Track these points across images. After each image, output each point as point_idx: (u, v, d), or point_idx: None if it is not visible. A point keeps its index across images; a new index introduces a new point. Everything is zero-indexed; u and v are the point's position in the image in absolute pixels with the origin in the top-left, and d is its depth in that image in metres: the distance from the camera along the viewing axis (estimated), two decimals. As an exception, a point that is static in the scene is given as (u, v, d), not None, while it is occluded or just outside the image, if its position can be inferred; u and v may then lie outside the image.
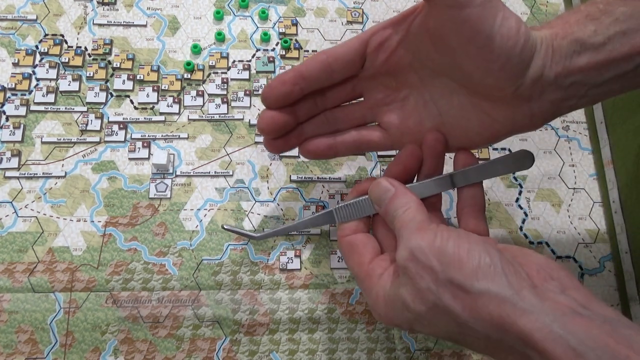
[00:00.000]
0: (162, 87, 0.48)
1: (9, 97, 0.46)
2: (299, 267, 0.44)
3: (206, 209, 0.45)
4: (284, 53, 0.50)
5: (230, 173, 0.46)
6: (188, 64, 0.48)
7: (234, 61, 0.50)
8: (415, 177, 0.36)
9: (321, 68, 0.33)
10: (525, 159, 0.36)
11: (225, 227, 0.39)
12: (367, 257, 0.33)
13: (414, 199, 0.32)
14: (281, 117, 0.34)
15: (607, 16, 0.29)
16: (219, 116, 0.48)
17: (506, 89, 0.30)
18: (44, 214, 0.44)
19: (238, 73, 0.49)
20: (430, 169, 0.35)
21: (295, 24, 0.52)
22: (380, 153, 0.48)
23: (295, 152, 0.47)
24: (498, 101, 0.31)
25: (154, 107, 0.48)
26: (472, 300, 0.26)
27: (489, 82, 0.30)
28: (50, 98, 0.47)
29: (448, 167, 0.35)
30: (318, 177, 0.47)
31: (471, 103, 0.32)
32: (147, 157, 0.46)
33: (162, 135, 0.47)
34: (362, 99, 0.37)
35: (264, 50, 0.50)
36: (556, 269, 0.29)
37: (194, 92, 0.48)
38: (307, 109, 0.36)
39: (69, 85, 0.47)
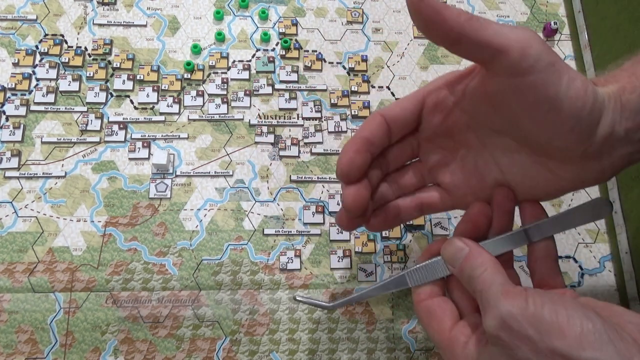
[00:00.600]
0: (162, 87, 0.48)
1: (9, 97, 0.46)
2: (299, 267, 0.44)
3: (206, 209, 0.45)
4: (284, 53, 0.50)
5: (230, 173, 0.46)
6: (188, 64, 0.48)
7: (234, 61, 0.50)
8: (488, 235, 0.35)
9: (382, 129, 0.32)
10: (603, 207, 0.33)
11: (297, 298, 0.38)
12: (447, 324, 0.31)
13: (491, 258, 0.30)
14: (366, 191, 0.32)
15: None
16: (219, 116, 0.48)
17: (575, 151, 0.29)
18: (44, 214, 0.44)
19: (238, 73, 0.49)
20: (500, 225, 0.33)
21: (295, 24, 0.52)
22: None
23: (295, 152, 0.47)
24: (565, 161, 0.30)
25: (154, 107, 0.48)
26: None
27: (557, 145, 0.29)
28: (50, 98, 0.47)
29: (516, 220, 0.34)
30: (318, 177, 0.47)
31: (536, 162, 0.31)
32: (147, 157, 0.46)
33: (162, 135, 0.47)
34: (418, 159, 0.36)
35: (264, 50, 0.50)
36: None
37: (194, 92, 0.48)
38: (376, 176, 0.34)
39: (69, 85, 0.47)
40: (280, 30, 0.51)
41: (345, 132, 0.48)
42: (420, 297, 0.33)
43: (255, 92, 0.49)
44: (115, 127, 0.46)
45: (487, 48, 0.26)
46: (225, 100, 0.48)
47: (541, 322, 0.25)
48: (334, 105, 0.49)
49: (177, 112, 0.48)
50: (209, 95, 0.48)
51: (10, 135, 0.45)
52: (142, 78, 0.48)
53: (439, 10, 0.26)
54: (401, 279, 0.34)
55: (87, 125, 0.46)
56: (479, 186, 0.33)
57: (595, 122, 0.28)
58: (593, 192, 0.48)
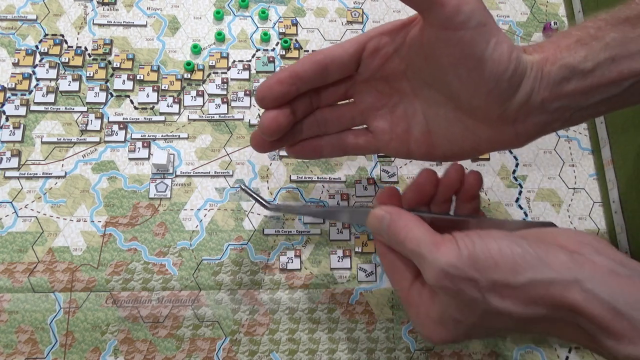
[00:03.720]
0: (162, 87, 0.48)
1: (9, 97, 0.46)
2: (299, 267, 0.44)
3: (206, 209, 0.45)
4: (284, 53, 0.50)
5: (230, 173, 0.46)
6: (188, 64, 0.48)
7: (234, 61, 0.50)
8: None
9: (317, 68, 0.33)
10: None
11: (242, 186, 0.37)
12: (405, 284, 0.32)
13: (412, 217, 0.31)
14: (284, 118, 0.33)
15: (597, 42, 0.29)
16: (219, 116, 0.48)
17: (492, 112, 0.30)
18: (44, 214, 0.44)
19: (238, 73, 0.49)
20: (464, 209, 0.34)
21: (295, 24, 0.52)
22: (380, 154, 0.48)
23: (295, 152, 0.47)
24: (482, 121, 0.32)
25: (154, 107, 0.48)
26: (521, 293, 0.27)
27: (475, 104, 0.30)
28: (50, 98, 0.47)
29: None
30: (318, 177, 0.47)
31: (457, 118, 0.33)
32: (147, 157, 0.46)
33: (162, 135, 0.47)
34: (352, 100, 0.37)
35: (264, 50, 0.50)
36: (584, 234, 0.30)
37: (194, 92, 0.48)
38: (302, 108, 0.35)
39: (69, 85, 0.47)
40: (280, 30, 0.51)
41: (345, 132, 0.48)
42: (382, 249, 0.33)
43: (255, 92, 0.49)
44: (115, 127, 0.46)
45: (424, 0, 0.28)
46: (225, 100, 0.48)
47: (476, 260, 0.27)
48: (334, 105, 0.49)
49: (177, 112, 0.48)
50: (209, 95, 0.48)
51: (10, 135, 0.45)
52: (142, 78, 0.48)
53: None
54: (341, 213, 0.35)
55: (87, 125, 0.46)
56: (405, 134, 0.35)
57: (514, 87, 0.29)
58: (594, 192, 0.48)
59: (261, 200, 0.37)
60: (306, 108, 0.35)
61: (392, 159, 0.48)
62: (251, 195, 0.37)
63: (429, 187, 0.33)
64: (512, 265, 0.27)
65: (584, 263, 0.27)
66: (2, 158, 0.45)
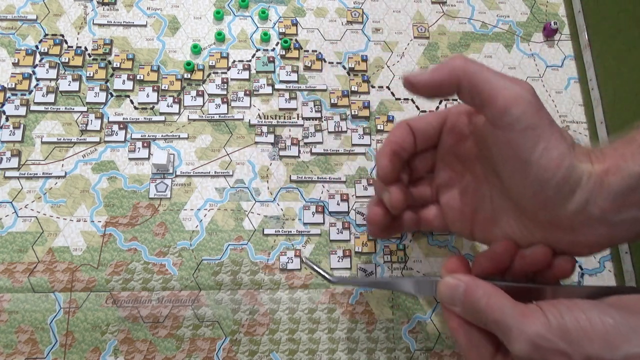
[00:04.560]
0: (162, 87, 0.48)
1: (9, 97, 0.46)
2: (299, 267, 0.44)
3: (206, 209, 0.45)
4: (284, 53, 0.50)
5: (230, 173, 0.46)
6: (188, 64, 0.48)
7: (234, 61, 0.50)
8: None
9: (409, 136, 0.34)
10: None
11: (304, 259, 0.38)
12: (488, 355, 0.30)
13: (490, 285, 0.29)
14: (404, 192, 0.35)
15: None
16: (219, 116, 0.48)
17: (540, 216, 0.30)
18: (44, 214, 0.44)
19: (238, 73, 0.49)
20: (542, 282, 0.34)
21: (295, 24, 0.52)
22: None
23: (295, 152, 0.47)
24: (536, 222, 0.31)
25: (154, 107, 0.48)
26: None
27: (523, 204, 0.30)
28: (50, 98, 0.47)
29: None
30: (318, 177, 0.47)
31: (516, 213, 0.32)
32: (147, 157, 0.46)
33: (162, 135, 0.47)
34: (433, 174, 0.37)
35: (264, 50, 0.50)
36: None
37: (194, 92, 0.48)
38: (405, 181, 0.36)
39: (69, 85, 0.47)
40: (280, 30, 0.51)
41: (345, 132, 0.48)
42: (457, 321, 0.31)
43: (255, 92, 0.49)
44: (115, 127, 0.46)
45: (478, 96, 0.28)
46: (225, 100, 0.48)
47: (567, 332, 0.26)
48: (334, 105, 0.49)
49: (177, 112, 0.48)
50: (209, 95, 0.48)
51: (10, 135, 0.45)
52: (142, 78, 0.48)
53: (427, 81, 0.30)
54: (408, 283, 0.34)
55: (87, 125, 0.46)
56: (471, 215, 0.35)
57: (564, 195, 0.28)
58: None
59: (324, 274, 0.37)
60: (407, 181, 0.36)
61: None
62: (315, 270, 0.37)
63: (507, 260, 0.32)
64: (605, 338, 0.25)
65: None
66: (2, 158, 0.45)
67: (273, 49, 0.51)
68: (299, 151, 0.47)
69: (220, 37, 0.50)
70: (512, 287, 0.31)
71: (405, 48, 0.52)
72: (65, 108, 0.47)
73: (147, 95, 0.48)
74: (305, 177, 0.47)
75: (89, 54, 0.49)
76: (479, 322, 0.29)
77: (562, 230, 0.30)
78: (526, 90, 0.28)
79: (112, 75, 0.48)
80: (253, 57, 0.50)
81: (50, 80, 0.47)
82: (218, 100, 0.48)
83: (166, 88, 0.48)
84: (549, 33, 0.53)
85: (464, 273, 0.32)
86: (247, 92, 0.49)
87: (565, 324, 0.26)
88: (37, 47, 0.48)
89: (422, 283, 0.34)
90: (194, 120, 0.47)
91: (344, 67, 0.51)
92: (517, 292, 0.30)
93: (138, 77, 0.48)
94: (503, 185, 0.32)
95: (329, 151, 0.48)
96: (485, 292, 0.29)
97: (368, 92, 0.50)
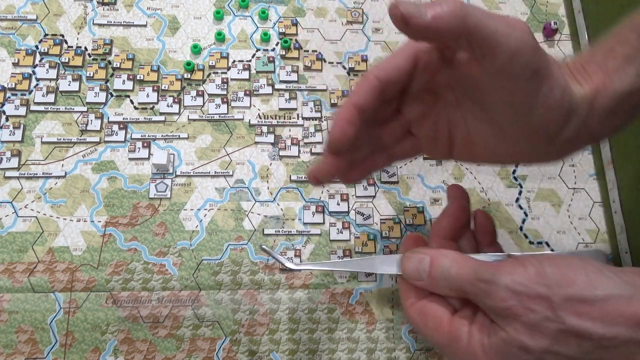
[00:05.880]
0: (162, 87, 0.48)
1: (9, 97, 0.46)
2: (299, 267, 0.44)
3: (206, 209, 0.45)
4: (284, 53, 0.50)
5: (230, 173, 0.46)
6: (188, 64, 0.48)
7: (234, 61, 0.50)
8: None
9: (376, 95, 0.31)
10: (600, 259, 0.34)
11: (263, 247, 0.37)
12: (444, 319, 0.29)
13: (455, 252, 0.29)
14: (352, 130, 0.31)
15: None
16: (219, 116, 0.48)
17: (536, 146, 0.30)
18: (44, 214, 0.44)
19: (238, 73, 0.49)
20: (485, 245, 0.34)
21: (295, 24, 0.51)
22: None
23: (295, 152, 0.47)
24: (525, 143, 0.30)
25: (154, 107, 0.48)
26: (599, 309, 0.24)
27: (520, 139, 0.30)
28: (50, 98, 0.47)
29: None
30: (318, 177, 0.47)
31: (498, 134, 0.31)
32: (147, 157, 0.46)
33: (162, 135, 0.47)
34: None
35: (264, 50, 0.50)
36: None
37: (194, 92, 0.48)
38: (361, 136, 0.34)
39: (69, 85, 0.47)
40: (280, 30, 0.51)
41: (345, 132, 0.48)
42: (410, 301, 0.31)
43: (255, 92, 0.49)
44: (115, 127, 0.46)
45: (479, 48, 0.26)
46: (225, 100, 0.48)
47: (547, 277, 0.25)
48: (334, 105, 0.49)
49: (177, 112, 0.48)
50: (209, 95, 0.48)
51: (10, 135, 0.45)
52: (142, 78, 0.48)
53: (429, 25, 0.25)
54: (370, 262, 0.34)
55: (87, 125, 0.46)
56: (447, 139, 0.34)
57: (561, 125, 0.28)
58: (594, 192, 0.48)
59: (283, 261, 0.36)
60: (365, 135, 0.34)
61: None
62: (273, 256, 0.37)
63: (463, 216, 0.33)
64: (587, 281, 0.25)
65: None
66: (2, 158, 0.45)
67: (273, 49, 0.51)
68: (299, 151, 0.47)
69: (220, 37, 0.50)
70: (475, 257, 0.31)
71: (405, 48, 0.52)
72: (65, 108, 0.47)
73: (147, 95, 0.48)
74: (305, 177, 0.47)
75: (89, 54, 0.49)
76: (447, 290, 0.29)
77: (545, 143, 0.29)
78: (526, 33, 0.26)
79: (112, 75, 0.48)
80: (253, 57, 0.50)
81: (50, 80, 0.47)
82: (218, 100, 0.48)
83: (166, 88, 0.48)
84: (549, 33, 0.53)
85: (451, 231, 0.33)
86: (247, 92, 0.49)
87: (543, 270, 0.25)
88: (37, 47, 0.48)
89: (385, 260, 0.33)
90: (194, 120, 0.47)
91: (344, 67, 0.51)
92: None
93: (138, 77, 0.48)
94: (485, 114, 0.31)
95: (329, 151, 0.48)
96: (453, 258, 0.29)
97: (368, 92, 0.50)
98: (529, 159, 0.32)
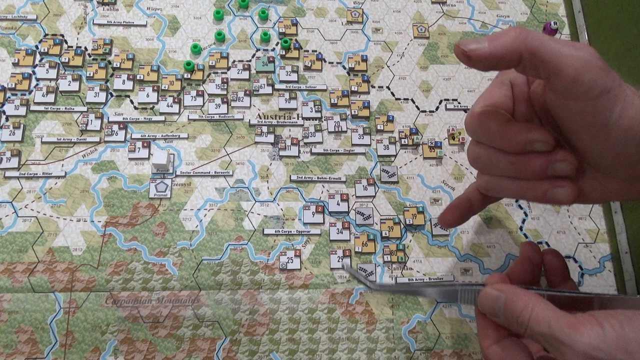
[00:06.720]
0: (162, 87, 0.48)
1: (9, 97, 0.46)
2: (299, 267, 0.44)
3: (206, 209, 0.45)
4: (284, 53, 0.50)
5: (230, 173, 0.46)
6: (188, 64, 0.48)
7: (234, 61, 0.50)
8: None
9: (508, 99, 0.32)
10: None
11: (345, 267, 0.37)
12: None
13: (532, 295, 0.28)
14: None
15: None
16: (219, 116, 0.48)
17: (621, 172, 0.29)
18: (44, 214, 0.44)
19: (238, 73, 0.49)
20: (557, 284, 0.34)
21: (295, 24, 0.51)
22: (380, 153, 0.48)
23: (295, 152, 0.47)
24: (612, 178, 0.30)
25: (154, 107, 0.48)
26: None
27: (603, 165, 0.29)
28: (50, 98, 0.47)
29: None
30: (318, 177, 0.47)
31: (585, 170, 0.31)
32: (147, 157, 0.46)
33: (162, 135, 0.47)
34: None
35: (264, 50, 0.50)
36: None
37: (194, 92, 0.48)
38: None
39: (69, 85, 0.47)
40: (280, 30, 0.51)
41: (345, 132, 0.48)
42: (487, 341, 0.31)
43: (255, 92, 0.49)
44: (115, 127, 0.46)
45: (544, 68, 0.26)
46: (225, 100, 0.48)
47: (627, 342, 0.24)
48: (334, 105, 0.49)
49: (177, 112, 0.48)
50: (209, 95, 0.48)
51: (10, 135, 0.45)
52: (142, 78, 0.48)
53: (489, 55, 0.26)
54: (452, 291, 0.33)
55: (87, 125, 0.46)
56: None
57: None
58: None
59: (364, 282, 0.35)
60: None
61: (392, 159, 0.48)
62: (355, 277, 0.36)
63: (537, 259, 0.33)
64: None
65: None
66: (2, 158, 0.45)
67: (273, 49, 0.51)
68: (299, 151, 0.47)
69: (220, 37, 0.50)
70: (555, 296, 0.30)
71: (405, 48, 0.52)
72: (65, 108, 0.47)
73: (147, 95, 0.48)
74: (305, 177, 0.47)
75: (89, 54, 0.49)
76: (521, 332, 0.28)
77: (638, 181, 0.29)
78: (593, 55, 0.26)
79: (112, 75, 0.48)
80: (253, 57, 0.50)
81: (50, 80, 0.47)
82: (218, 100, 0.48)
83: (166, 88, 0.48)
84: (549, 33, 0.53)
85: (525, 277, 0.32)
86: (247, 92, 0.49)
87: (624, 334, 0.24)
88: (37, 47, 0.48)
89: (464, 292, 0.32)
90: (194, 120, 0.47)
91: (344, 67, 0.51)
92: (561, 302, 0.29)
93: (138, 77, 0.48)
94: (574, 149, 0.30)
95: (329, 151, 0.48)
96: (527, 303, 0.28)
97: (368, 92, 0.50)
98: (618, 196, 0.31)
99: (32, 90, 0.47)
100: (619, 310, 0.26)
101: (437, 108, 0.50)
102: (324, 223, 0.46)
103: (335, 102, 0.49)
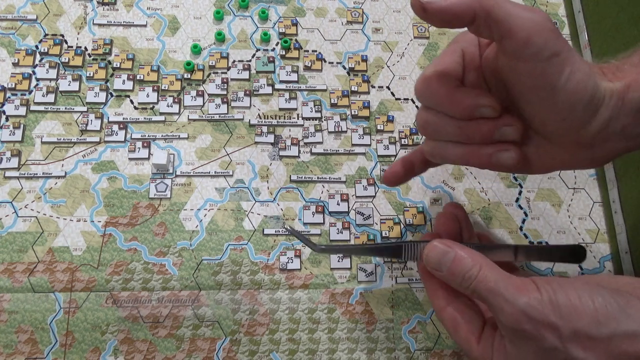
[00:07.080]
0: (162, 87, 0.48)
1: (9, 97, 0.46)
2: (299, 267, 0.44)
3: (206, 209, 0.45)
4: (284, 53, 0.50)
5: (230, 173, 0.46)
6: (188, 64, 0.48)
7: (234, 61, 0.50)
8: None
9: (458, 64, 0.32)
10: (580, 254, 0.37)
11: (287, 227, 0.38)
12: (475, 334, 0.31)
13: (481, 256, 0.30)
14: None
15: None
16: (219, 116, 0.48)
17: (565, 138, 0.30)
18: (44, 214, 0.44)
19: (238, 73, 0.49)
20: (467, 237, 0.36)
21: (295, 24, 0.51)
22: (380, 153, 0.48)
23: (295, 152, 0.47)
24: (556, 144, 0.31)
25: (154, 107, 0.48)
26: (604, 345, 0.26)
27: (548, 130, 0.30)
28: (50, 98, 0.47)
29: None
30: (318, 177, 0.47)
31: (529, 138, 0.32)
32: (147, 157, 0.46)
33: (162, 135, 0.47)
34: None
35: (264, 50, 0.50)
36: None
37: (194, 92, 0.48)
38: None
39: (69, 85, 0.47)
40: (280, 30, 0.51)
41: (345, 132, 0.48)
42: (440, 302, 0.32)
43: (255, 92, 0.49)
44: (115, 127, 0.46)
45: (497, 28, 0.27)
46: (225, 100, 0.48)
47: (558, 306, 0.26)
48: (334, 105, 0.49)
49: (177, 112, 0.48)
50: (209, 95, 0.48)
51: (10, 135, 0.45)
52: (142, 78, 0.48)
53: (445, 8, 0.27)
54: (397, 248, 0.34)
55: (87, 125, 0.46)
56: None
57: (589, 115, 0.28)
58: (594, 192, 0.48)
59: (308, 243, 0.37)
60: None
61: (392, 159, 0.48)
62: (299, 237, 0.37)
63: (461, 214, 0.35)
64: (594, 315, 0.26)
65: None
66: (2, 158, 0.45)
67: (273, 49, 0.51)
68: (299, 151, 0.47)
69: (220, 37, 0.50)
70: (479, 247, 0.33)
71: (405, 48, 0.52)
72: (65, 108, 0.47)
73: (147, 95, 0.48)
74: (305, 177, 0.47)
75: (89, 54, 0.49)
76: (460, 287, 0.30)
77: (582, 148, 0.30)
78: (544, 18, 0.26)
79: (112, 75, 0.48)
80: (253, 57, 0.50)
81: (50, 80, 0.47)
82: (218, 100, 0.48)
83: (166, 88, 0.48)
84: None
85: (453, 232, 0.34)
86: (247, 92, 0.49)
87: (557, 299, 0.26)
88: (37, 47, 0.48)
89: (409, 247, 0.34)
90: (194, 120, 0.47)
91: (344, 67, 0.51)
92: (482, 251, 0.31)
93: (138, 77, 0.48)
94: (521, 115, 0.31)
95: (329, 151, 0.48)
96: (476, 262, 0.29)
97: (368, 92, 0.50)
98: (563, 164, 0.32)
99: (32, 90, 0.47)
100: (555, 277, 0.28)
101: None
102: (324, 223, 0.46)
103: (335, 102, 0.49)
